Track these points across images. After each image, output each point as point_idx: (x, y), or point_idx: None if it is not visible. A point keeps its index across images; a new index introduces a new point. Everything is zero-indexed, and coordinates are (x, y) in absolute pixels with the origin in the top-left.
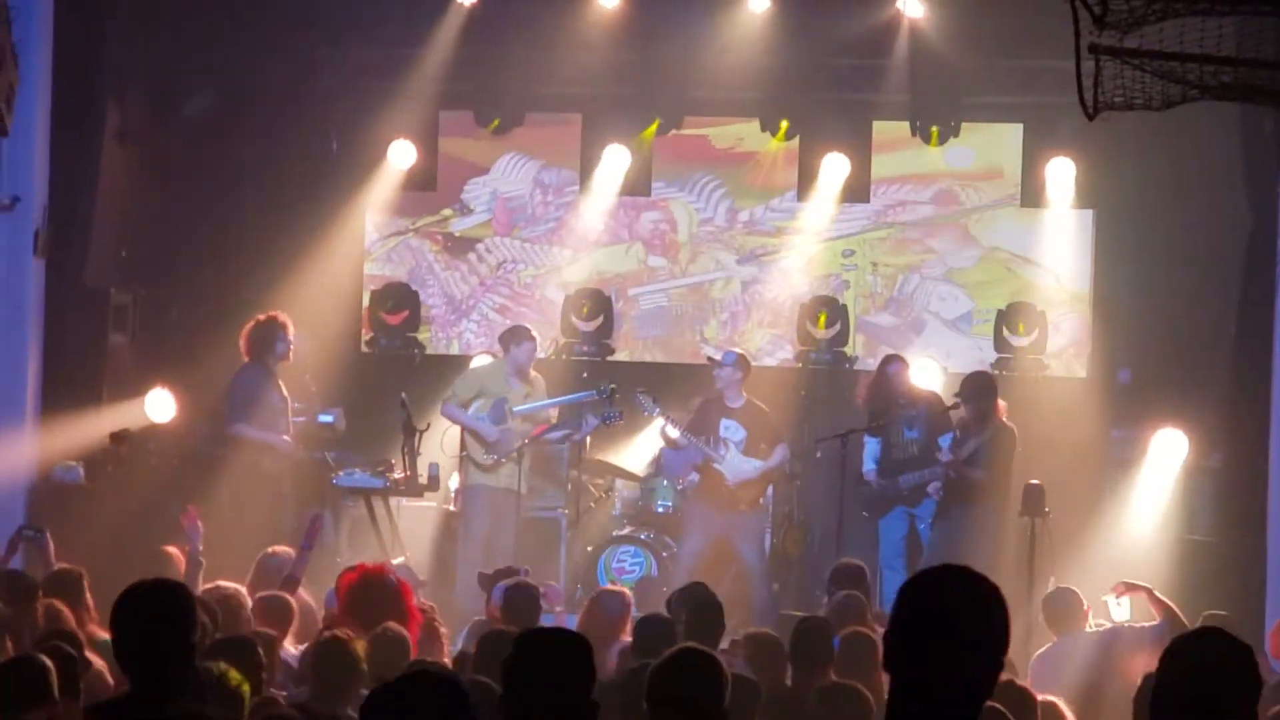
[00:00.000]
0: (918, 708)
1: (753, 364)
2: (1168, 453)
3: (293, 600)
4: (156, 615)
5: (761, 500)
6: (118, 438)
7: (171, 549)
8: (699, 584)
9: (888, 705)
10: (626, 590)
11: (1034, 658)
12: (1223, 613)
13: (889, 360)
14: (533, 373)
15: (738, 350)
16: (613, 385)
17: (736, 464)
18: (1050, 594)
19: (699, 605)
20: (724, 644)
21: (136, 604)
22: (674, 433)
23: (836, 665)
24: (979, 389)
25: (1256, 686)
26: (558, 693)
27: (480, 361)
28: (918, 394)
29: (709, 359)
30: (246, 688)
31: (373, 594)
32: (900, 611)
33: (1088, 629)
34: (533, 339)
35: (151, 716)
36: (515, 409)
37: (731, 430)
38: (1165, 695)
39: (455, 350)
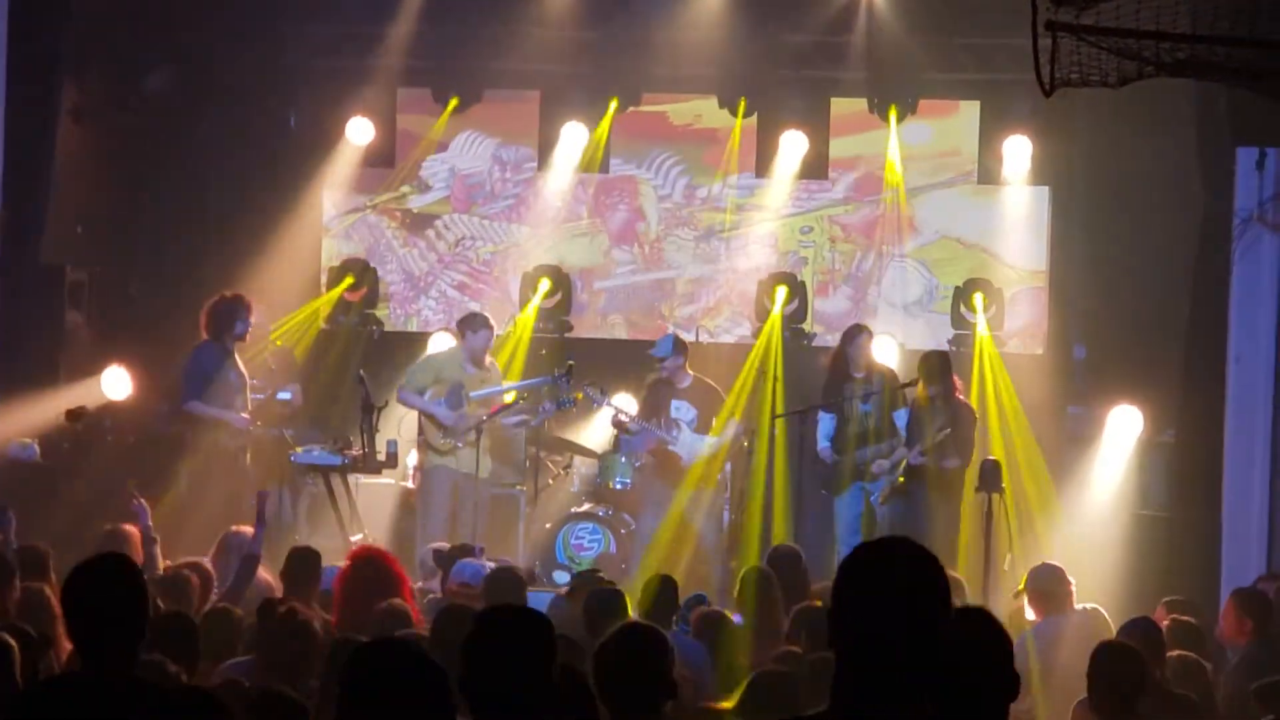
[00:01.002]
0: (864, 685)
1: (712, 340)
2: (1123, 429)
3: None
4: (107, 591)
5: (719, 477)
6: (73, 415)
7: (128, 527)
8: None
9: (834, 682)
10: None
11: (1025, 636)
12: (1180, 598)
13: (852, 329)
14: (489, 359)
15: (672, 334)
16: (570, 363)
17: (690, 443)
18: (1036, 570)
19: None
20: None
21: (87, 580)
22: (625, 420)
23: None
24: (941, 367)
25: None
26: (519, 671)
27: (439, 339)
28: (875, 367)
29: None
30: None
31: (378, 573)
32: (842, 590)
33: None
34: (489, 327)
35: (100, 692)
36: (471, 394)
37: (682, 410)
38: None
39: (414, 327)
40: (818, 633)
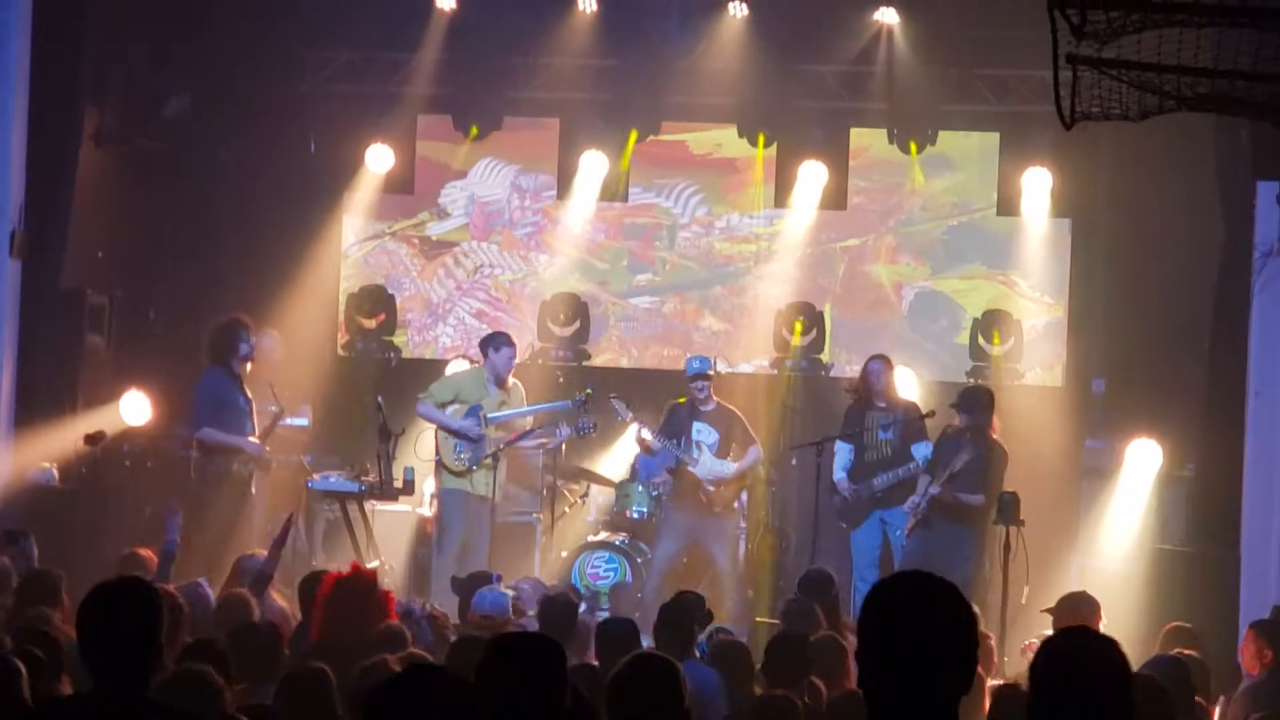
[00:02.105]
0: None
1: (730, 370)
2: (1142, 462)
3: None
4: (121, 613)
5: (736, 504)
6: (92, 439)
7: (143, 551)
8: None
9: (867, 705)
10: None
11: None
12: (1187, 625)
13: (873, 359)
14: (511, 380)
15: (704, 358)
16: (589, 390)
17: (710, 466)
18: (1065, 598)
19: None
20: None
21: (101, 602)
22: (648, 437)
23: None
24: (978, 403)
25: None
26: (531, 698)
27: (456, 366)
28: (895, 399)
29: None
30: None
31: (359, 596)
32: (869, 629)
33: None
34: (512, 345)
35: (111, 713)
36: (490, 416)
37: (704, 433)
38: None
39: (432, 354)
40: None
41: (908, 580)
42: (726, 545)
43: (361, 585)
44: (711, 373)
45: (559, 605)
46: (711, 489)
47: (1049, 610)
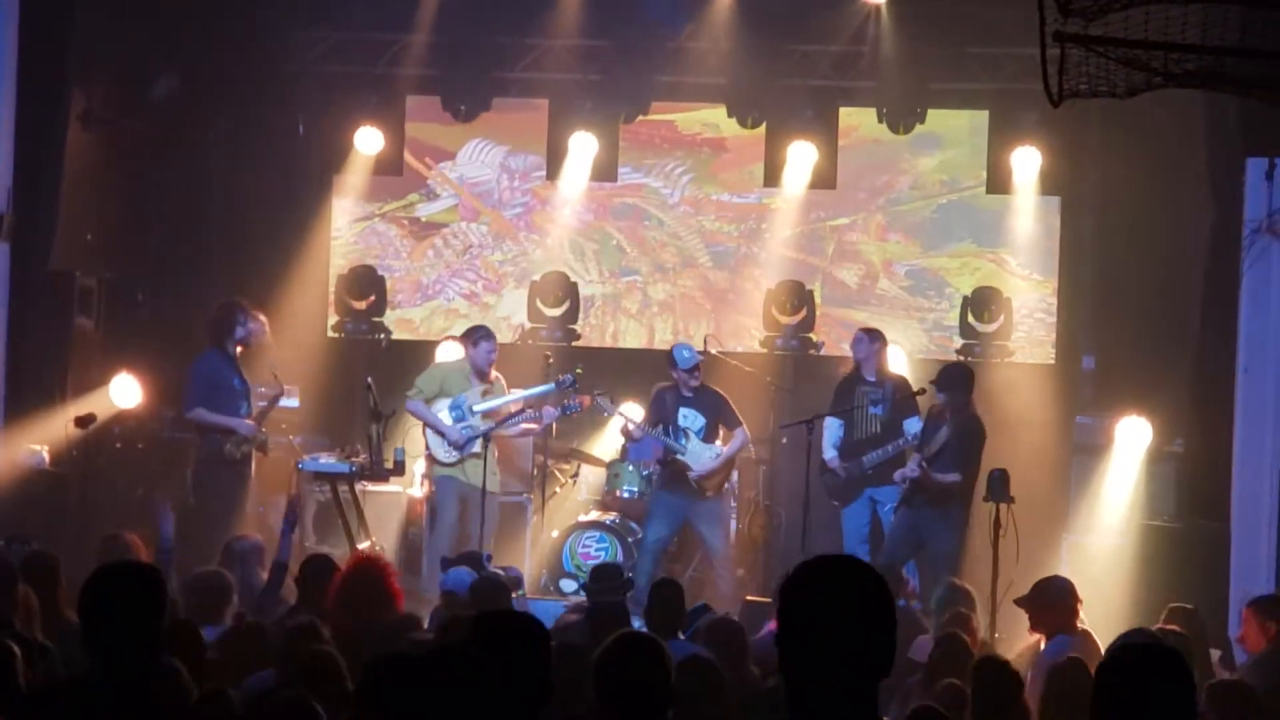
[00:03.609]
0: (811, 706)
1: (719, 351)
2: (1132, 439)
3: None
4: (123, 598)
5: (726, 485)
6: (82, 421)
7: (130, 535)
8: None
9: (787, 705)
10: None
11: (1038, 668)
12: (1188, 605)
13: (863, 330)
14: (494, 372)
15: (690, 345)
16: (578, 370)
17: (698, 452)
18: (1038, 587)
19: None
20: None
21: (105, 584)
22: (634, 429)
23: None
24: (957, 379)
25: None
26: (514, 673)
27: (446, 348)
28: (885, 372)
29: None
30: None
31: (374, 582)
32: (787, 613)
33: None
34: (492, 338)
35: (111, 694)
36: (475, 407)
37: (690, 419)
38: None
39: (422, 336)
40: None
41: (823, 563)
42: (718, 527)
43: (374, 574)
44: (701, 360)
45: (490, 590)
46: (699, 474)
47: (1022, 602)
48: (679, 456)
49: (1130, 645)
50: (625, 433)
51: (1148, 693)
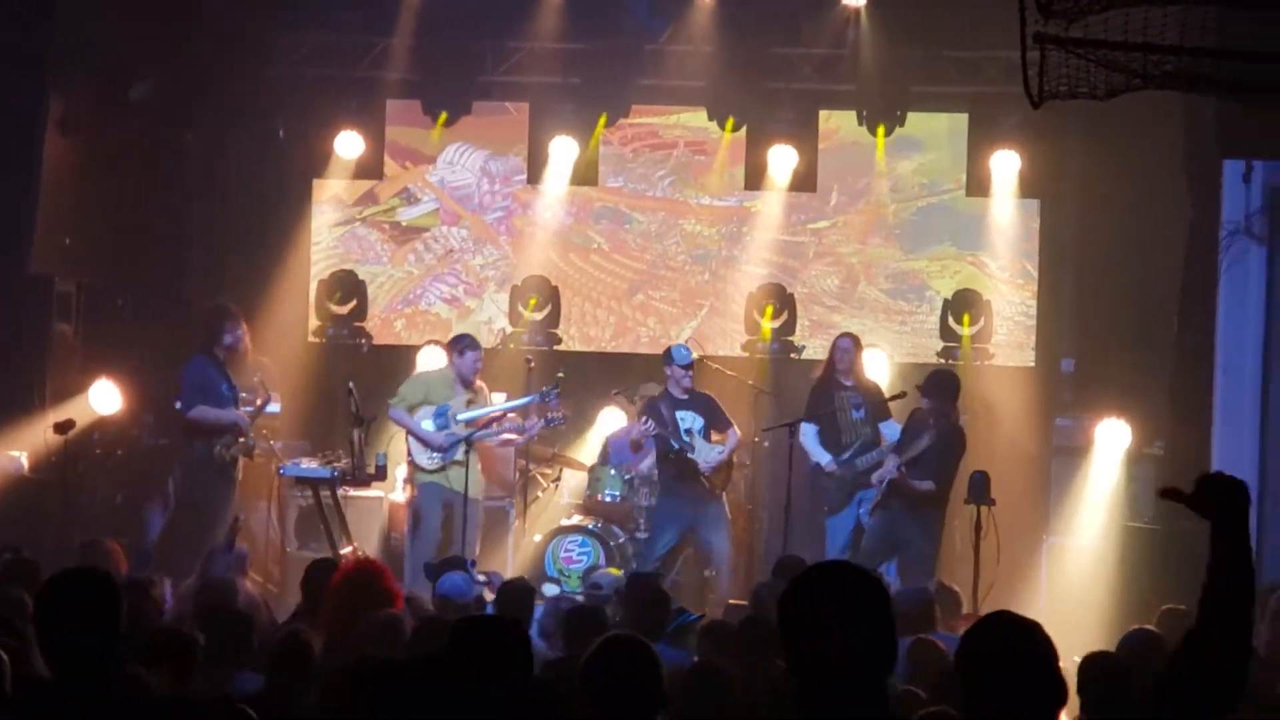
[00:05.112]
0: (824, 706)
1: (701, 355)
2: (1111, 441)
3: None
4: (79, 603)
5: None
6: (61, 427)
7: (110, 541)
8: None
9: (797, 706)
10: None
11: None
12: (1180, 606)
13: (842, 337)
14: (478, 381)
15: (687, 347)
16: (561, 375)
17: (705, 452)
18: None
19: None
20: None
21: (59, 592)
22: (641, 432)
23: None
24: (943, 385)
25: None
26: (493, 677)
27: (428, 352)
28: (862, 378)
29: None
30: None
31: (370, 585)
32: (790, 623)
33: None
34: (477, 348)
35: (69, 700)
36: (459, 416)
37: (689, 420)
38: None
39: (403, 340)
40: None
41: (828, 569)
42: (723, 530)
43: (373, 575)
44: (691, 362)
45: (517, 589)
46: (709, 473)
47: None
48: (690, 455)
49: (994, 618)
50: (635, 444)
51: (1009, 661)
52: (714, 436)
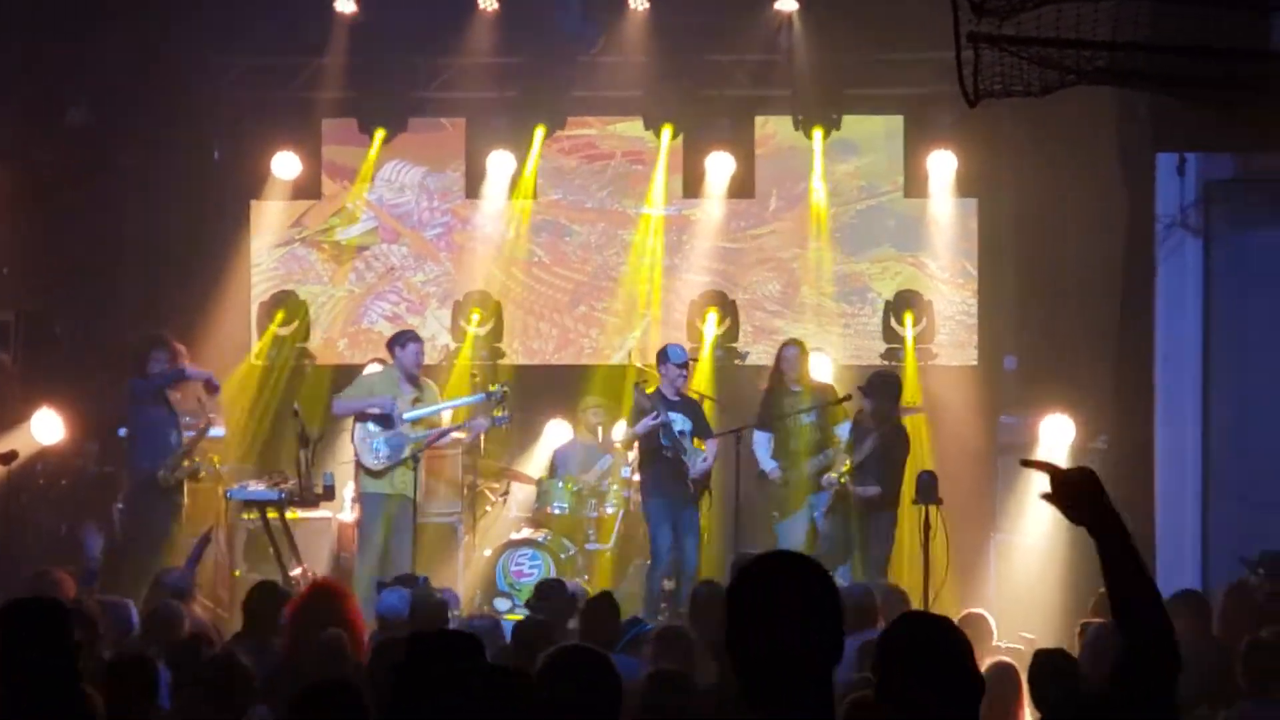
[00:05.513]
0: (767, 700)
1: (645, 364)
2: (1056, 437)
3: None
4: (33, 630)
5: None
6: (4, 459)
7: (59, 572)
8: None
9: (742, 700)
10: None
11: None
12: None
13: (787, 344)
14: (423, 378)
15: (681, 346)
16: (505, 388)
17: (693, 456)
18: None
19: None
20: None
21: (11, 619)
22: (622, 433)
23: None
24: (882, 386)
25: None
26: (450, 692)
27: (373, 370)
28: (810, 382)
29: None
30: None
31: (329, 605)
32: (734, 613)
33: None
34: (418, 340)
35: None
36: (405, 415)
37: (680, 423)
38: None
39: (347, 359)
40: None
41: (768, 560)
42: (695, 537)
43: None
44: (685, 360)
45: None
46: (696, 478)
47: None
48: (683, 457)
49: (907, 617)
50: (624, 444)
51: (923, 657)
52: (695, 442)
